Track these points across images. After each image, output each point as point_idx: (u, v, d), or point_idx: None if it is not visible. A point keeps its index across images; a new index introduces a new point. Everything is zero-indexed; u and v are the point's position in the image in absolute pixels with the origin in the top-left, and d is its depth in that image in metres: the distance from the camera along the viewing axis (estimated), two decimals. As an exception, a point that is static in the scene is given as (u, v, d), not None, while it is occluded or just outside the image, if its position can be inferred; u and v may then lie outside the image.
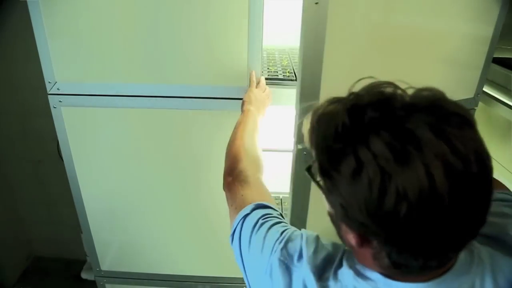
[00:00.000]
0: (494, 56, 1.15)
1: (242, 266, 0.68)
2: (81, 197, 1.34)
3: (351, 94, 0.48)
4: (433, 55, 1.02)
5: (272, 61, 1.40)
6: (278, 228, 0.65)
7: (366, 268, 0.52)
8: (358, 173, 0.42)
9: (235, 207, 0.75)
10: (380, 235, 0.44)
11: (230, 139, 0.94)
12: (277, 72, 1.27)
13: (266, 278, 0.61)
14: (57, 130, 1.22)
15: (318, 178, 0.49)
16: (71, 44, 1.10)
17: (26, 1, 1.03)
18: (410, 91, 0.46)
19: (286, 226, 0.67)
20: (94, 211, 1.38)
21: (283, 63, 1.38)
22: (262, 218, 0.68)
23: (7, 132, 2.10)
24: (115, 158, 1.28)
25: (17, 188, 2.27)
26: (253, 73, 1.11)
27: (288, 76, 1.23)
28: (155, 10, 1.05)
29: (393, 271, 0.49)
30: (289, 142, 1.74)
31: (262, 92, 1.10)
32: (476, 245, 0.53)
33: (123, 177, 1.32)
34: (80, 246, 1.76)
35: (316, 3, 0.73)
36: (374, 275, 0.51)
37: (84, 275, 2.00)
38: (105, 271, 1.53)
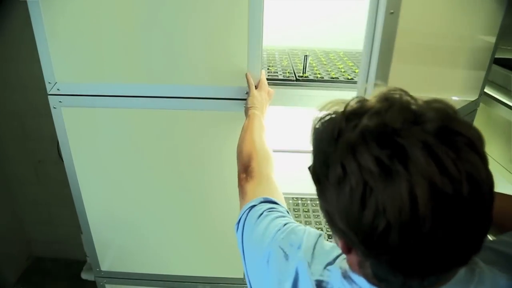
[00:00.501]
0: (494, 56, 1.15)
1: (242, 255, 0.69)
2: (81, 197, 1.33)
3: (358, 98, 0.47)
4: (453, 61, 1.05)
5: (272, 61, 1.40)
6: (282, 221, 0.67)
7: (355, 272, 0.52)
8: (342, 181, 0.42)
9: (243, 200, 0.78)
10: (356, 245, 0.44)
11: (239, 142, 0.96)
12: (277, 72, 1.27)
13: (263, 265, 0.63)
14: (57, 130, 1.21)
15: None
16: (71, 45, 1.10)
17: (26, 1, 1.03)
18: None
19: (290, 220, 0.68)
20: (94, 211, 1.37)
21: (283, 63, 1.38)
22: (268, 210, 0.70)
23: (7, 132, 2.10)
24: (116, 159, 1.28)
25: (17, 188, 2.27)
26: (249, 75, 1.10)
27: (288, 77, 1.23)
28: (155, 10, 1.05)
29: (377, 283, 0.48)
30: (288, 142, 1.75)
31: (262, 92, 1.10)
32: (480, 264, 0.50)
33: (123, 178, 1.32)
34: (80, 246, 1.76)
35: (392, 12, 0.78)
36: (361, 281, 0.51)
37: (84, 276, 1.99)
38: (105, 272, 1.52)
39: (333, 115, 0.46)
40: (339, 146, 0.43)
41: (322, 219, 1.65)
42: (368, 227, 0.40)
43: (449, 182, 0.38)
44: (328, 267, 0.57)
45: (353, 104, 0.45)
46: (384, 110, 0.42)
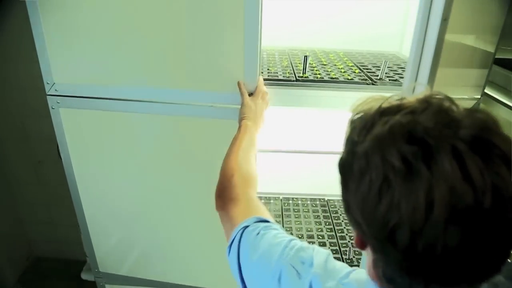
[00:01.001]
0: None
1: (239, 277, 0.67)
2: (79, 198, 1.33)
3: (398, 96, 0.47)
4: (463, 61, 1.07)
5: (272, 62, 1.40)
6: (284, 237, 0.66)
7: (371, 283, 0.51)
8: (363, 172, 0.42)
9: (231, 224, 0.74)
10: (369, 238, 0.44)
11: (225, 157, 0.92)
12: (277, 72, 1.27)
13: (273, 282, 0.61)
14: (55, 130, 1.21)
15: None
16: (69, 45, 1.09)
17: (25, 1, 1.03)
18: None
19: (293, 237, 0.66)
20: (93, 213, 1.37)
21: (283, 63, 1.38)
22: (265, 228, 0.68)
23: (8, 132, 2.10)
24: (114, 161, 1.26)
25: (17, 188, 2.27)
26: (241, 83, 1.06)
27: (288, 77, 1.22)
28: (150, 12, 1.03)
29: (386, 284, 0.47)
30: (288, 142, 1.75)
31: (258, 100, 1.05)
32: (501, 280, 0.49)
33: (122, 181, 1.30)
34: (80, 246, 1.76)
35: (445, 19, 0.82)
36: None
37: (84, 276, 1.99)
38: (103, 273, 1.52)
39: (369, 109, 0.46)
40: (367, 137, 0.43)
41: (322, 219, 1.65)
42: (381, 220, 0.40)
43: (471, 190, 0.37)
44: (343, 281, 0.56)
45: (391, 101, 0.46)
46: (420, 110, 0.42)
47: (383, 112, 0.44)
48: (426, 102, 0.43)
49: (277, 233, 0.67)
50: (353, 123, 0.48)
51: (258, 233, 0.67)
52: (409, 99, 0.45)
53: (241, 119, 1.02)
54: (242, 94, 1.06)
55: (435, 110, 0.41)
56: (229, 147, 0.94)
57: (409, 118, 0.41)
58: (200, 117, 1.15)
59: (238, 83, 1.06)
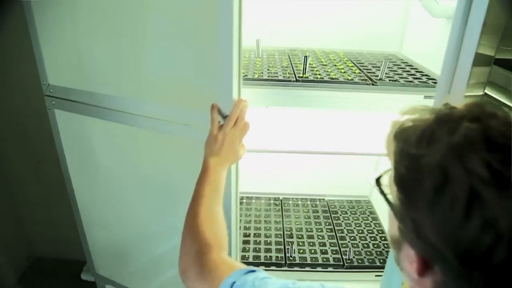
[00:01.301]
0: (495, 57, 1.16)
1: None
2: (76, 199, 1.32)
3: (445, 104, 0.44)
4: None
5: (272, 62, 1.40)
6: (284, 281, 0.61)
7: None
8: (442, 188, 0.38)
9: (211, 287, 0.66)
10: (448, 261, 0.39)
11: (187, 219, 0.78)
12: (277, 73, 1.27)
13: None
14: (53, 131, 1.21)
15: (387, 191, 0.46)
16: (62, 49, 1.08)
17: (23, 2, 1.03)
18: None
19: (293, 280, 0.62)
20: (89, 215, 1.36)
21: (283, 64, 1.38)
22: (257, 279, 0.62)
23: (8, 132, 2.10)
24: (105, 165, 1.25)
25: (17, 188, 2.27)
26: (215, 107, 0.86)
27: (288, 77, 1.22)
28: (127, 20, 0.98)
29: None
30: (288, 142, 1.75)
31: (226, 128, 0.85)
32: None
33: (114, 185, 1.28)
34: (80, 246, 1.76)
35: (484, 24, 0.84)
36: None
37: (84, 276, 1.99)
38: (100, 275, 1.52)
39: (420, 119, 0.43)
40: (435, 148, 0.39)
41: (322, 219, 1.65)
42: (471, 240, 0.36)
43: None
44: None
45: (441, 110, 0.43)
46: (485, 117, 0.39)
47: (441, 121, 0.41)
48: (482, 108, 0.41)
49: (273, 281, 0.61)
50: (402, 135, 0.44)
51: (253, 283, 0.60)
52: (459, 107, 0.42)
53: (205, 155, 0.85)
54: (211, 121, 0.86)
55: (499, 116, 0.39)
56: (191, 201, 0.80)
57: (479, 125, 0.38)
58: (175, 135, 1.03)
59: (212, 106, 0.86)
